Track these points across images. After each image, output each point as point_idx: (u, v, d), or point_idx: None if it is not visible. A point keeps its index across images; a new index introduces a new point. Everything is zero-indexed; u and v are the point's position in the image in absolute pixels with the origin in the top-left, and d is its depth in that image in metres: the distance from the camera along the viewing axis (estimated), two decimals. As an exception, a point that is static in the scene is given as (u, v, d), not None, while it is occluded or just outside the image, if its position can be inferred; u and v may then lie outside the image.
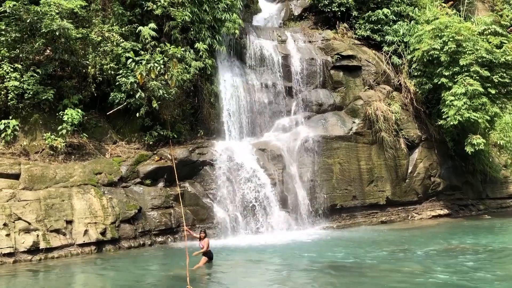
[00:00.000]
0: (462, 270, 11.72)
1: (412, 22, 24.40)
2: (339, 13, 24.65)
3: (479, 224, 20.66)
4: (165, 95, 18.06)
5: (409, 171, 22.59)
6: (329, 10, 24.72)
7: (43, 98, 16.83)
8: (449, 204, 23.89)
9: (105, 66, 17.95)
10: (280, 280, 11.80)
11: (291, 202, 19.20)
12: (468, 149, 21.42)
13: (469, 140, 21.49)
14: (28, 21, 16.79)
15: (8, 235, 14.13)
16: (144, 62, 17.82)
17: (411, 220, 22.18)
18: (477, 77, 21.18)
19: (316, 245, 15.95)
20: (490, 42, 22.32)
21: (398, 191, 22.18)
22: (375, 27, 24.39)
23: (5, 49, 16.84)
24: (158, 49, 18.57)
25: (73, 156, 17.29)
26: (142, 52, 18.33)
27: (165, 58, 18.35)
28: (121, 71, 17.95)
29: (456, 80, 21.44)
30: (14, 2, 16.64)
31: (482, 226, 19.97)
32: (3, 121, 16.43)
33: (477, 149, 21.43)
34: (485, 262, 12.73)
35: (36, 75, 16.89)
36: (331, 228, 19.74)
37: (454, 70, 21.51)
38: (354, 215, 21.09)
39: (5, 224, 14.20)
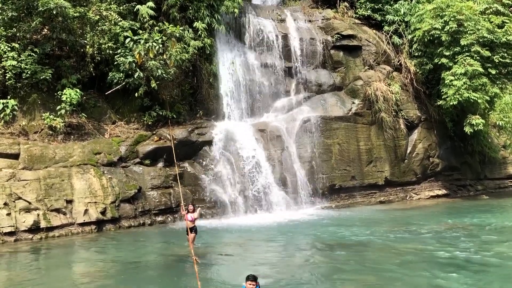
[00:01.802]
0: (460, 248, 11.84)
1: (414, 1, 24.12)
2: (339, -9, 24.36)
3: (477, 204, 20.79)
4: (164, 75, 17.95)
5: (408, 151, 22.63)
6: (329, -12, 24.41)
7: (41, 77, 16.73)
8: (448, 184, 24.00)
9: (103, 46, 17.80)
10: (280, 257, 11.94)
11: (290, 182, 19.27)
12: (467, 129, 21.41)
13: (468, 121, 21.46)
14: (24, -1, 16.59)
15: (8, 214, 14.22)
16: (142, 41, 17.67)
17: (409, 200, 22.32)
18: (477, 57, 21.04)
19: (314, 224, 16.07)
20: (492, 22, 22.07)
21: (396, 172, 22.26)
22: (376, 6, 24.13)
23: (1, 28, 16.68)
24: (156, 28, 18.40)
25: (72, 136, 17.28)
26: (141, 31, 18.16)
27: (163, 38, 18.19)
28: (119, 51, 17.81)
29: (456, 60, 21.29)
30: (10, -20, 16.42)
31: (480, 206, 20.09)
32: (1, 100, 16.38)
33: (476, 129, 21.42)
34: (482, 240, 12.85)
35: (33, 54, 16.76)
36: (329, 207, 19.87)
37: (455, 50, 21.35)
38: (353, 195, 21.22)
39: (5, 204, 14.29)
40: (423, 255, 11.38)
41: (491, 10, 22.73)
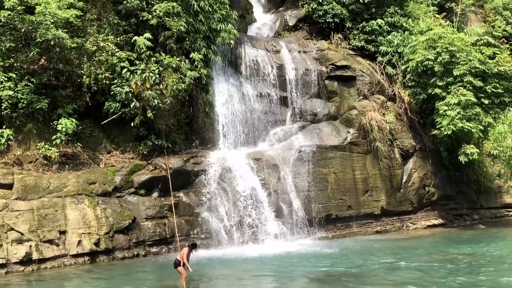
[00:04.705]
0: (457, 279, 11.71)
1: (406, 32, 24.59)
2: (333, 24, 24.79)
3: (474, 234, 20.69)
4: (160, 104, 18.05)
5: (404, 180, 22.62)
6: (323, 21, 24.86)
7: (37, 107, 16.76)
8: (444, 213, 23.92)
9: (100, 76, 17.92)
10: (275, 290, 11.76)
11: (286, 211, 19.14)
12: (462, 158, 21.54)
13: (462, 150, 21.62)
14: (23, 30, 16.77)
15: (0, 246, 13.97)
16: (139, 71, 17.82)
17: (406, 230, 22.18)
18: (470, 88, 21.35)
19: (310, 255, 15.88)
20: (483, 53, 22.55)
21: (393, 201, 22.19)
22: (369, 38, 24.55)
23: (-1, 58, 16.80)
24: (153, 58, 18.58)
25: (67, 166, 17.19)
26: (137, 62, 18.32)
27: (160, 68, 18.36)
28: (116, 81, 17.93)
29: (449, 90, 21.59)
30: (9, 12, 16.60)
31: (477, 236, 20.00)
32: (-4, 130, 16.34)
33: (470, 158, 21.54)
34: (480, 271, 12.72)
35: (30, 84, 16.84)
36: (326, 238, 19.69)
37: (448, 80, 21.68)
38: (349, 225, 21.07)
39: (-3, 235, 14.06)
40: (425, 286, 11.23)
41: (482, 41, 23.29)
